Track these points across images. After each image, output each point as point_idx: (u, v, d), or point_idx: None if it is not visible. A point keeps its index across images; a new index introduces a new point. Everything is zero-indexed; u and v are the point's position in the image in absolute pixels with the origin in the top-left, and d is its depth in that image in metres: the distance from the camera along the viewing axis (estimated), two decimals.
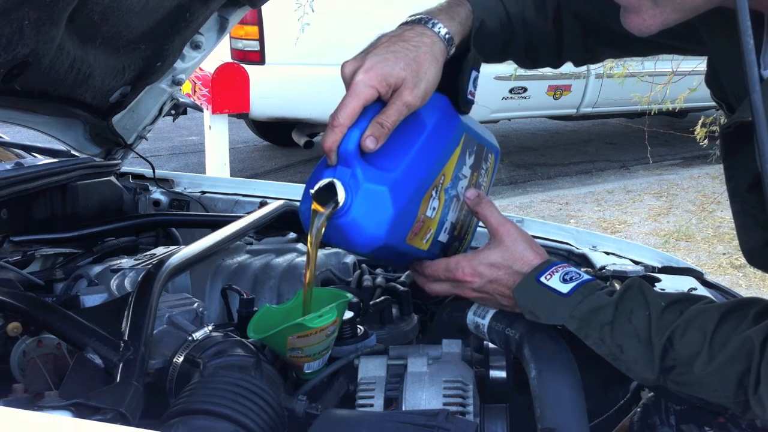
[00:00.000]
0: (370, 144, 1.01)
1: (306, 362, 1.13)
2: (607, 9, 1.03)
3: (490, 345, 1.24)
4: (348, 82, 1.03)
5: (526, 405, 1.10)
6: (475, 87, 1.20)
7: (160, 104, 1.92)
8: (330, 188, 1.01)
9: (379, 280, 1.51)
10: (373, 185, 1.02)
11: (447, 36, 1.10)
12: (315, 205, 1.01)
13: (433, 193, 1.13)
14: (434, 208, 1.15)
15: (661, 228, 5.42)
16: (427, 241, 1.17)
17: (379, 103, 1.04)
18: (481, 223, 1.28)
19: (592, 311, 1.08)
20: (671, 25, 0.99)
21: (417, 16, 1.12)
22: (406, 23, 1.12)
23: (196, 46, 1.81)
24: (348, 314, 1.27)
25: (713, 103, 1.20)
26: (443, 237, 1.21)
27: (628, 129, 7.93)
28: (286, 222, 1.73)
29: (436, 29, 1.09)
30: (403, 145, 1.08)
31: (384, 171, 1.04)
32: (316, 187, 1.02)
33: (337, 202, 1.00)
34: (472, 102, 1.20)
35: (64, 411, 0.86)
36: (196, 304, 1.26)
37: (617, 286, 1.19)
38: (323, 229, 1.01)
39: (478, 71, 1.19)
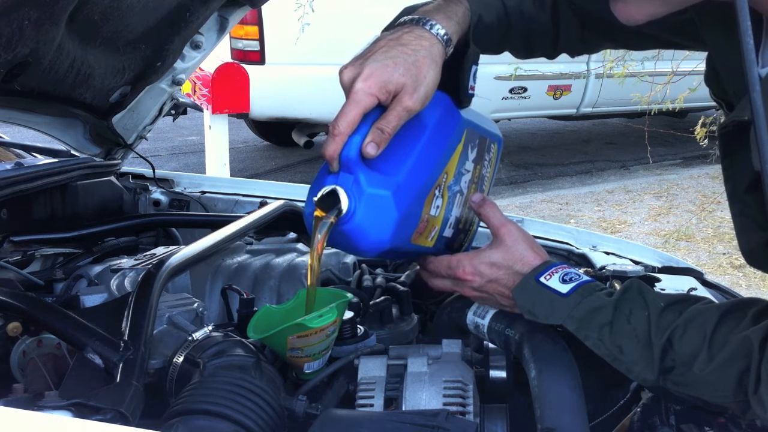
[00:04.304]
0: (371, 150, 1.01)
1: (306, 362, 1.13)
2: (602, 1, 1.03)
3: (490, 345, 1.24)
4: (347, 89, 1.03)
5: (526, 405, 1.10)
6: (474, 81, 1.20)
7: (160, 104, 1.92)
8: (333, 195, 1.01)
9: (379, 280, 1.51)
10: (376, 190, 1.02)
11: (445, 37, 1.09)
12: (319, 212, 1.01)
13: (437, 192, 1.13)
14: (438, 207, 1.15)
15: (661, 228, 5.42)
16: (432, 238, 1.17)
17: (379, 107, 1.04)
18: (483, 223, 1.28)
19: (591, 312, 1.08)
20: (658, 17, 1.00)
21: (414, 17, 1.12)
22: (402, 23, 1.12)
23: (196, 46, 1.81)
24: (348, 314, 1.27)
25: (713, 103, 1.20)
26: (448, 232, 1.22)
27: (628, 129, 7.93)
28: (286, 222, 1.73)
29: (434, 31, 1.09)
30: (405, 147, 1.07)
31: (386, 175, 1.04)
32: (319, 194, 1.02)
33: (340, 210, 1.00)
34: (472, 96, 1.20)
35: (64, 411, 0.86)
36: (196, 304, 1.26)
37: (617, 286, 1.19)
38: (327, 236, 1.01)
39: (477, 64, 1.19)
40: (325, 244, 1.02)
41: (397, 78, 1.02)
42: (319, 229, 1.01)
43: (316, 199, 1.02)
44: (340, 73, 1.04)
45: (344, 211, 1.00)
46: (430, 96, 1.07)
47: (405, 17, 1.13)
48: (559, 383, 1.07)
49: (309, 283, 1.09)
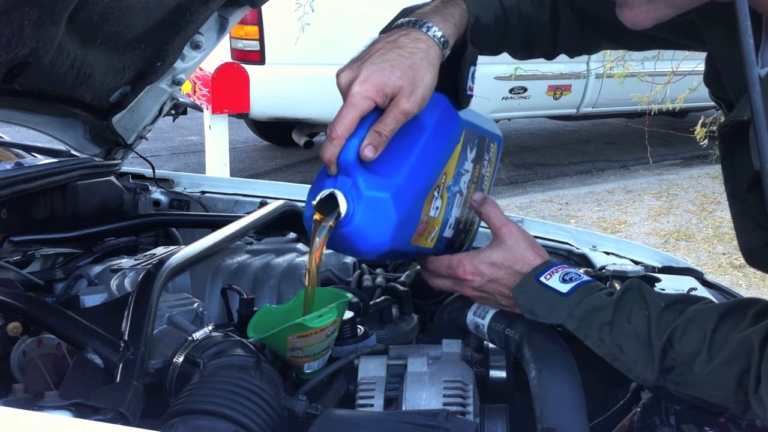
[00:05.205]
0: (368, 153, 1.01)
1: (306, 362, 1.13)
2: (604, 1, 1.03)
3: (490, 345, 1.24)
4: (344, 92, 1.03)
5: (526, 405, 1.10)
6: (473, 81, 1.20)
7: (160, 104, 1.92)
8: (332, 199, 1.01)
9: (379, 280, 1.51)
10: (375, 193, 1.02)
11: (442, 39, 1.09)
12: (318, 216, 1.02)
13: (436, 193, 1.13)
14: (437, 208, 1.15)
15: (661, 228, 5.42)
16: (432, 239, 1.17)
17: (377, 110, 1.04)
18: (483, 223, 1.28)
19: (591, 311, 1.08)
20: (664, 20, 1.00)
21: (411, 19, 1.11)
22: (399, 25, 1.12)
23: (196, 46, 1.81)
24: (348, 314, 1.27)
25: (713, 103, 1.20)
26: (448, 233, 1.22)
27: (628, 129, 7.93)
28: (286, 222, 1.73)
29: (431, 33, 1.09)
30: (403, 150, 1.07)
31: (385, 178, 1.04)
32: (318, 198, 1.02)
33: (339, 213, 1.00)
34: (471, 96, 1.20)
35: (64, 411, 0.86)
36: (196, 304, 1.26)
37: (617, 286, 1.19)
38: (326, 240, 1.01)
39: (476, 65, 1.19)
40: (324, 248, 1.02)
41: (394, 81, 1.02)
42: (318, 232, 1.01)
43: (314, 202, 1.02)
44: (337, 76, 1.04)
45: (343, 214, 1.00)
46: (428, 98, 1.07)
47: (402, 19, 1.13)
48: (559, 383, 1.07)
49: (307, 285, 1.09)
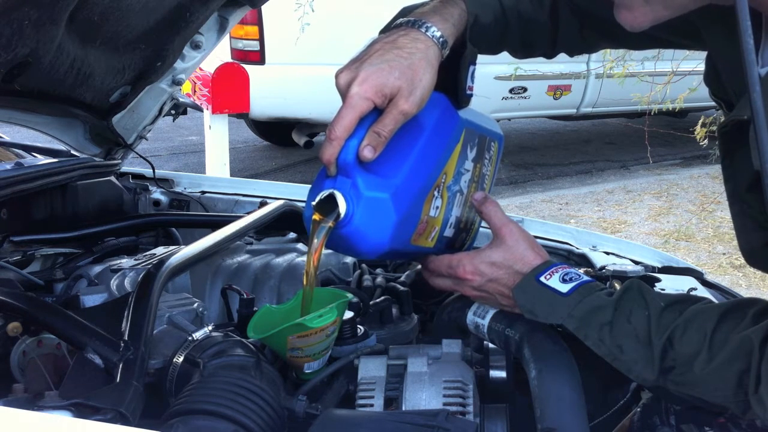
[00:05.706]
0: (367, 153, 1.01)
1: (306, 362, 1.13)
2: (603, 1, 1.04)
3: (490, 345, 1.24)
4: (343, 93, 1.03)
5: (526, 405, 1.10)
6: (473, 81, 1.20)
7: (160, 104, 1.92)
8: (331, 199, 1.01)
9: (379, 280, 1.51)
10: (374, 193, 1.02)
11: (441, 39, 1.09)
12: (317, 216, 1.02)
13: (436, 192, 1.13)
14: (437, 207, 1.15)
15: (661, 228, 5.42)
16: (433, 239, 1.17)
17: (376, 111, 1.04)
18: (484, 223, 1.28)
19: (591, 311, 1.08)
20: (662, 21, 1.00)
21: (410, 19, 1.12)
22: (398, 25, 1.12)
23: (196, 46, 1.81)
24: (348, 314, 1.27)
25: (713, 103, 1.20)
26: (449, 232, 1.22)
27: (628, 129, 7.93)
28: (286, 222, 1.73)
29: (429, 33, 1.09)
30: (402, 150, 1.08)
31: (384, 178, 1.04)
32: (317, 198, 1.02)
33: (338, 214, 1.00)
34: (471, 96, 1.20)
35: (64, 411, 0.86)
36: (196, 304, 1.26)
37: (617, 286, 1.19)
38: (325, 240, 1.02)
39: (475, 65, 1.19)
40: (323, 248, 1.02)
41: (393, 81, 1.02)
42: (317, 233, 1.01)
43: (314, 203, 1.02)
44: (336, 76, 1.04)
45: (342, 214, 1.00)
46: (426, 98, 1.07)
47: (401, 19, 1.13)
48: (559, 383, 1.07)
49: (305, 285, 1.09)
